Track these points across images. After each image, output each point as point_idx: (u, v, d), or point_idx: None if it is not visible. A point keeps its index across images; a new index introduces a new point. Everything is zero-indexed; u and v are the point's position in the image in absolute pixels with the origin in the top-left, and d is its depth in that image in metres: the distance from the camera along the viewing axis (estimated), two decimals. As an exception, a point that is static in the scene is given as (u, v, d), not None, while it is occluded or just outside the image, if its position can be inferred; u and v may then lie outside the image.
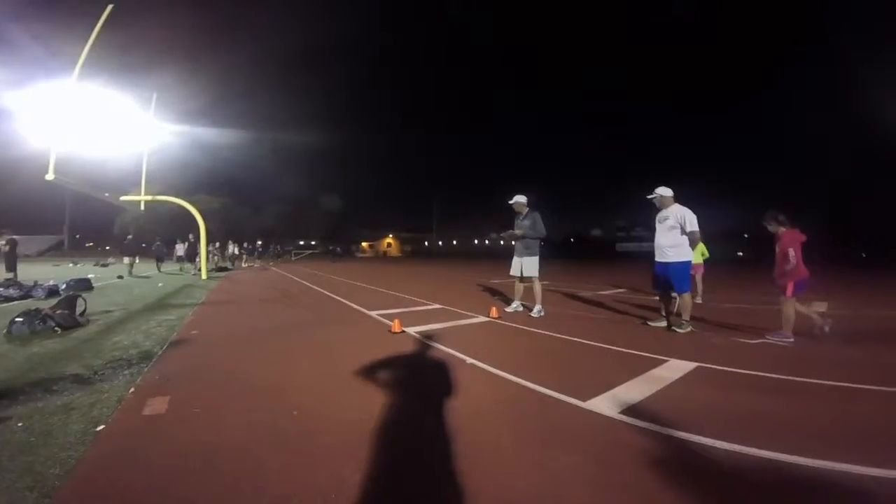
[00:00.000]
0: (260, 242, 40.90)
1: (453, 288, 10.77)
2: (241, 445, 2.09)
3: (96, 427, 2.26)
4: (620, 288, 10.49)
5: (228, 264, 22.34)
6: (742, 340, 4.48)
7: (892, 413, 2.55)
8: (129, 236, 16.99)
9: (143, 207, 15.53)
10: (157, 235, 19.16)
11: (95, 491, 1.70)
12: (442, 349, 4.04)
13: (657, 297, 5.43)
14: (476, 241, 76.99)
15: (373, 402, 2.63)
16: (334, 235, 57.05)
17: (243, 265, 24.59)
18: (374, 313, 6.23)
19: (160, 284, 11.50)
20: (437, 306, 7.01)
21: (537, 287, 6.19)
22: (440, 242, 76.53)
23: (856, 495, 1.69)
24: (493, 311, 6.01)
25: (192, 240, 16.94)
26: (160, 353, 3.88)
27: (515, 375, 3.20)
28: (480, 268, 21.26)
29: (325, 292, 9.63)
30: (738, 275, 16.35)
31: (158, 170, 22.24)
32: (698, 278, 8.51)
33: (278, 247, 43.95)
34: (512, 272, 6.46)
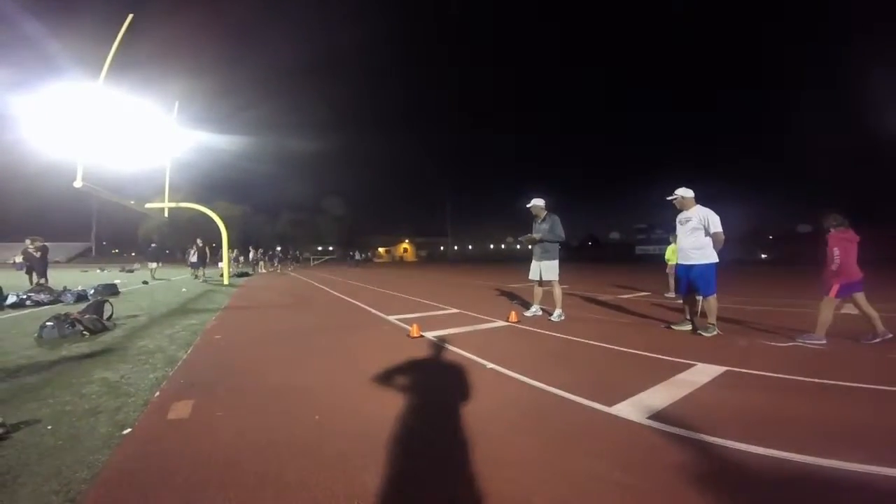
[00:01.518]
0: (279, 248, 41.58)
1: (470, 292, 10.71)
2: (263, 450, 2.09)
3: (122, 431, 2.29)
4: (642, 291, 10.27)
5: (250, 270, 22.77)
6: (771, 343, 4.32)
7: None
8: (153, 244, 17.48)
9: (166, 214, 15.93)
10: (151, 240, 19.03)
11: (119, 495, 1.71)
12: (461, 353, 3.99)
13: (681, 301, 5.28)
14: (492, 246, 76.70)
15: (393, 407, 2.60)
16: (350, 241, 57.64)
17: (261, 270, 25.02)
18: (392, 318, 6.23)
19: (184, 290, 11.76)
20: (454, 311, 6.97)
21: (557, 291, 6.10)
22: (455, 247, 76.52)
23: (887, 498, 1.62)
24: (513, 316, 5.94)
25: (199, 245, 16.94)
26: (184, 357, 3.95)
27: (537, 380, 3.15)
28: (497, 272, 21.13)
29: (344, 297, 9.69)
30: (761, 276, 15.86)
31: (179, 177, 22.82)
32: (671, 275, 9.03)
33: (296, 253, 44.58)
34: (531, 276, 6.38)
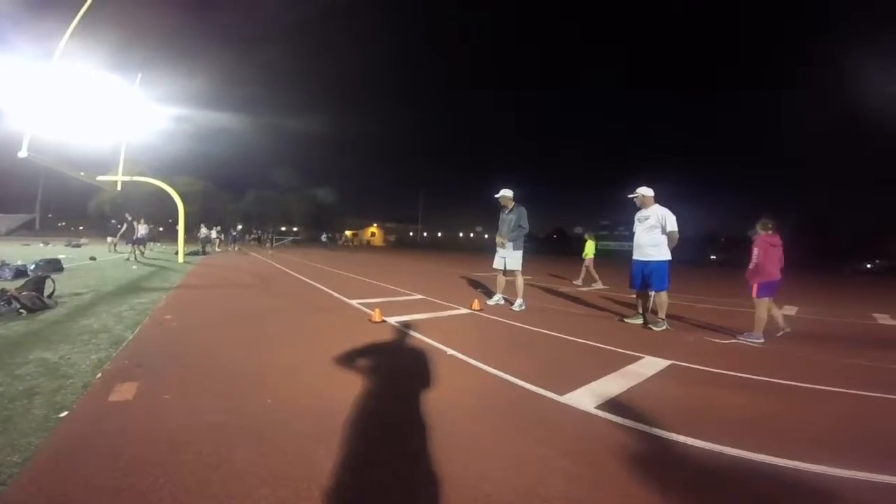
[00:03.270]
0: (240, 227, 40.10)
1: (437, 279, 10.76)
2: (212, 433, 2.04)
3: (59, 413, 2.18)
4: (600, 285, 10.64)
5: (199, 248, 21.65)
6: (714, 340, 4.60)
7: (854, 415, 2.65)
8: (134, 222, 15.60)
9: (119, 188, 14.96)
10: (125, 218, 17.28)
11: (55, 478, 1.64)
12: (422, 339, 4.02)
13: (634, 295, 5.53)
14: (462, 234, 77.07)
15: (350, 391, 2.60)
16: (318, 223, 56.25)
17: (217, 249, 24.04)
18: (354, 302, 6.18)
19: (134, 267, 11.19)
20: (419, 297, 6.99)
21: (519, 281, 6.23)
22: (425, 234, 76.36)
23: (818, 494, 1.73)
24: (476, 304, 6.03)
25: (129, 219, 15.50)
26: (131, 337, 3.77)
27: (495, 368, 3.22)
28: (465, 260, 21.29)
29: (305, 279, 9.50)
30: (712, 276, 16.76)
31: (140, 151, 21.42)
32: (592, 270, 10.94)
33: (259, 232, 43.10)
34: (495, 265, 6.48)
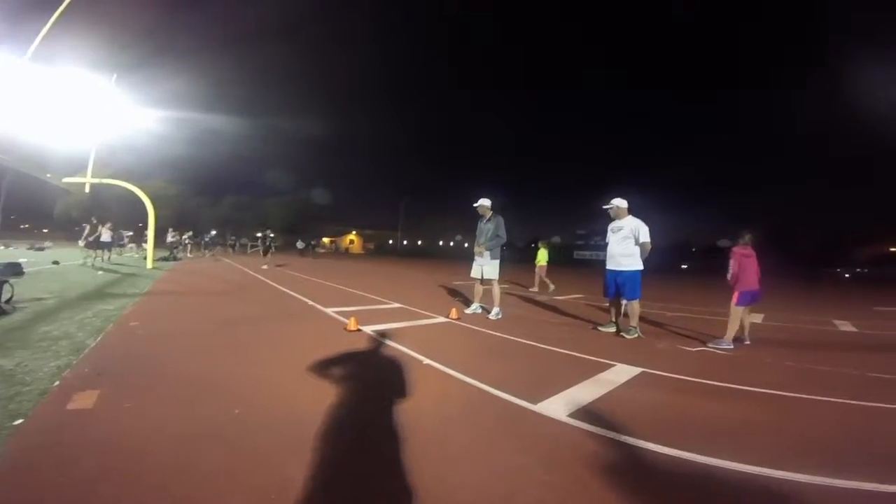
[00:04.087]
0: (214, 232, 38.95)
1: (415, 288, 10.73)
2: (176, 443, 1.99)
3: (14, 421, 2.08)
4: (577, 293, 10.81)
5: (168, 254, 20.90)
6: (684, 347, 4.73)
7: (819, 421, 2.74)
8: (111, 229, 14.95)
9: (87, 190, 14.37)
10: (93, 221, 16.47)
11: (8, 489, 1.56)
12: (398, 348, 4.00)
13: (608, 303, 5.65)
14: (441, 242, 77.04)
15: (323, 401, 2.56)
16: (295, 229, 55.29)
17: (189, 255, 23.35)
18: (329, 310, 6.09)
19: (99, 272, 10.77)
20: (396, 305, 6.95)
21: (496, 290, 6.28)
22: (405, 241, 76.08)
23: (785, 500, 1.76)
24: (453, 312, 6.04)
25: (93, 223, 14.90)
26: (93, 344, 3.63)
27: (471, 377, 3.22)
28: (444, 269, 21.29)
29: (279, 287, 9.33)
30: (683, 285, 17.25)
31: (114, 153, 20.70)
32: (544, 276, 11.41)
33: (234, 238, 41.98)
34: (472, 274, 6.52)
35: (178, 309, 6.03)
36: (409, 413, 2.47)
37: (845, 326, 7.13)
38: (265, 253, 17.10)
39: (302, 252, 37.08)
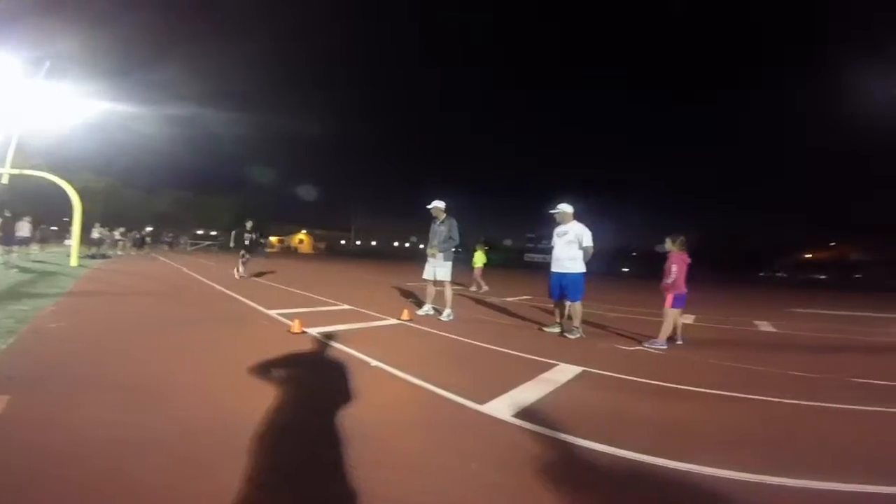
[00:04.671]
0: (150, 229, 36.26)
1: (366, 289, 10.55)
2: (99, 450, 1.85)
3: None
4: (525, 295, 11.10)
5: (96, 251, 19.17)
6: (622, 347, 4.99)
7: (745, 418, 2.92)
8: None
9: (5, 181, 12.85)
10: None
11: None
12: (345, 351, 3.90)
13: (553, 305, 5.84)
14: (397, 244, 76.39)
15: (261, 406, 2.44)
16: (239, 226, 52.52)
17: (119, 252, 21.60)
18: (273, 312, 5.84)
19: (14, 270, 9.69)
20: (345, 307, 6.79)
21: (448, 291, 6.31)
22: (358, 242, 74.69)
23: (716, 497, 1.83)
24: (405, 314, 5.99)
25: (7, 216, 13.44)
26: (4, 347, 3.27)
27: (419, 378, 3.20)
28: (398, 269, 21.11)
29: (219, 288, 8.83)
30: (623, 287, 18.23)
31: (43, 145, 18.78)
32: (478, 277, 12.10)
33: (171, 235, 39.22)
34: (425, 276, 6.52)
35: (104, 310, 5.53)
36: (354, 416, 2.41)
37: (765, 327, 7.82)
38: (245, 257, 11.20)
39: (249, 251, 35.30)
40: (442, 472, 1.90)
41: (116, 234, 23.06)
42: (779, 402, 3.19)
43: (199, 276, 11.31)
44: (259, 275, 12.27)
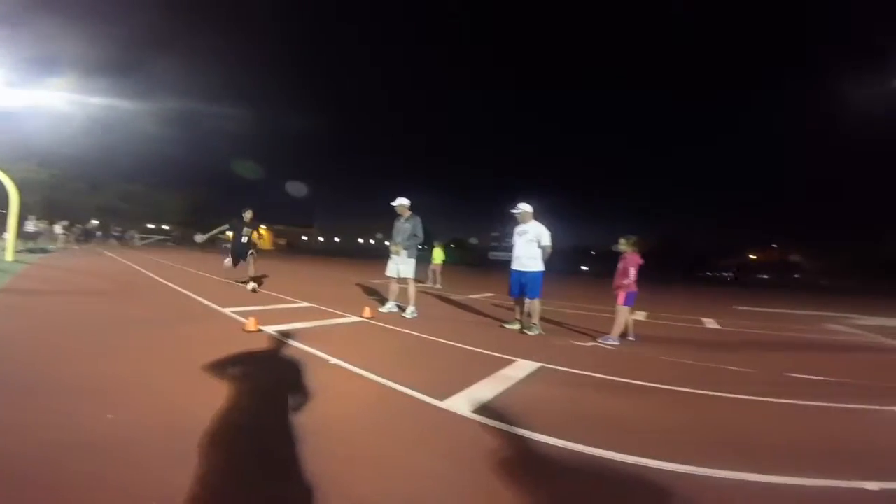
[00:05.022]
0: (96, 223, 33.94)
1: (328, 286, 10.39)
2: (35, 452, 1.77)
3: None
4: (488, 293, 11.26)
5: (30, 245, 17.78)
6: (578, 343, 5.16)
7: (690, 412, 3.07)
8: None
9: None
10: None
11: None
12: (303, 349, 3.82)
13: (513, 302, 5.97)
14: (362, 240, 75.32)
15: (213, 406, 2.36)
16: (195, 221, 49.89)
17: (60, 246, 20.16)
18: (227, 310, 5.63)
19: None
20: (305, 305, 6.65)
21: (411, 289, 6.30)
22: (321, 238, 73.13)
23: (660, 490, 1.90)
24: (367, 311, 5.94)
25: None
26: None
27: (378, 375, 3.19)
28: (361, 267, 20.85)
29: (170, 285, 8.43)
30: (582, 285, 18.82)
31: None
32: (438, 274, 12.53)
33: (120, 230, 36.85)
34: (388, 273, 6.49)
35: (41, 309, 5.14)
36: (311, 414, 2.38)
37: (711, 324, 8.31)
38: (236, 260, 8.94)
39: (202, 247, 33.85)
40: (400, 469, 1.91)
41: (58, 228, 21.52)
42: (719, 396, 3.39)
43: (148, 273, 10.72)
44: (216, 272, 11.78)
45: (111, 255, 18.03)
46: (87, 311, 5.28)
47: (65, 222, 22.93)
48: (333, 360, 3.51)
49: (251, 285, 8.21)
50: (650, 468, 2.04)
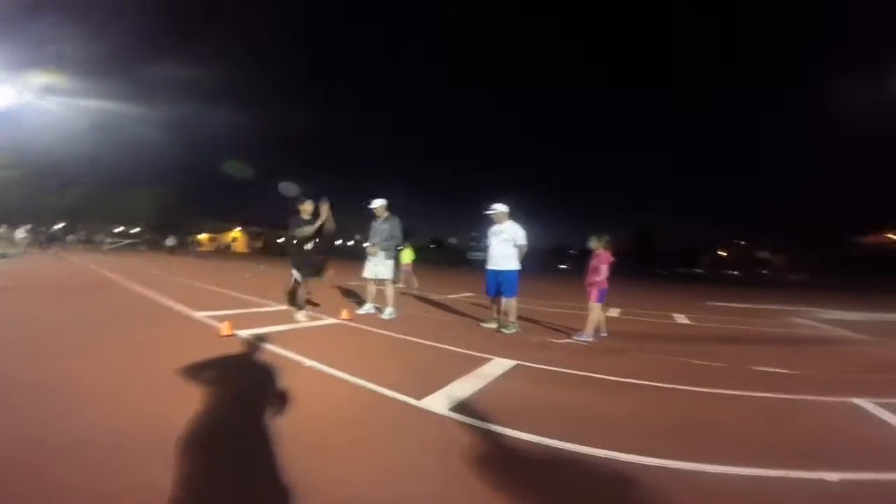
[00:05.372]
0: (61, 225, 32.55)
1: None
2: (10, 448, 1.79)
3: None
4: (467, 292, 11.31)
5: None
6: (554, 340, 5.25)
7: (662, 406, 3.13)
8: None
9: None
10: None
11: None
12: (279, 352, 3.77)
13: (490, 301, 6.03)
14: (340, 242, 74.27)
15: (190, 407, 2.33)
16: (167, 223, 48.17)
17: (20, 251, 19.27)
18: (201, 314, 5.50)
19: None
20: (282, 308, 6.53)
21: (389, 290, 6.29)
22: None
23: (630, 482, 1.92)
24: (344, 313, 5.89)
25: None
26: None
27: (356, 376, 3.18)
28: (341, 269, 20.59)
29: (140, 289, 8.16)
30: (557, 283, 19.09)
31: None
32: (410, 275, 12.78)
33: (84, 233, 35.41)
34: (366, 274, 6.45)
35: (9, 312, 4.92)
36: (289, 416, 2.38)
37: (682, 319, 8.57)
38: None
39: (172, 250, 32.91)
40: (378, 469, 1.92)
41: (21, 233, 20.58)
42: (688, 390, 3.48)
43: (117, 277, 10.35)
44: (189, 276, 11.48)
45: (76, 259, 17.32)
46: (54, 315, 5.06)
47: (28, 226, 21.92)
48: (309, 363, 3.48)
49: (301, 313, 5.57)
50: (620, 461, 2.10)
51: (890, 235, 56.45)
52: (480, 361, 3.88)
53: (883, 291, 22.60)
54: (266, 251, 56.21)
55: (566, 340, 5.26)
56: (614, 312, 7.41)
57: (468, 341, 4.74)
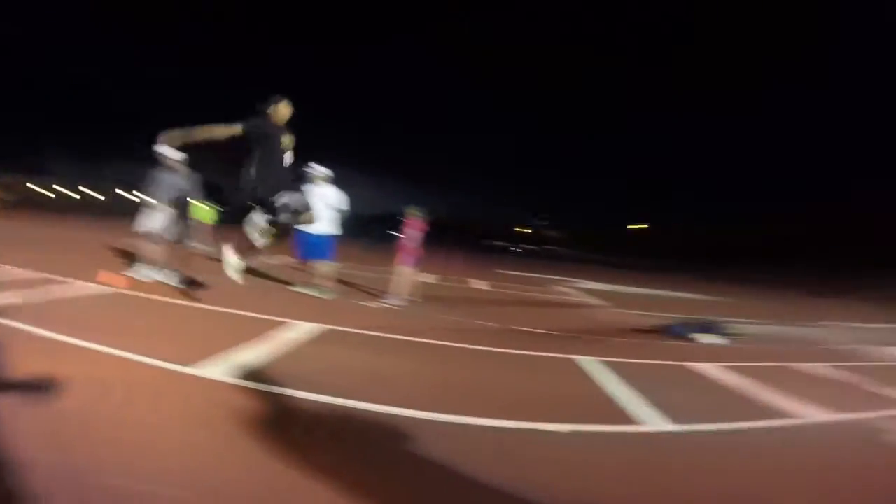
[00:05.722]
0: None
1: (70, 251, 8.15)
2: None
3: None
4: (289, 256, 10.68)
5: None
6: (366, 304, 5.45)
7: (443, 364, 3.42)
8: None
9: None
10: None
11: None
12: (15, 326, 2.89)
13: (304, 264, 5.91)
14: (120, 192, 59.42)
15: None
16: None
17: None
18: None
19: None
20: (32, 275, 4.97)
21: (158, 248, 5.38)
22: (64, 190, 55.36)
23: (405, 435, 2.03)
24: (109, 277, 4.84)
25: None
26: None
27: (118, 348, 2.67)
28: (120, 226, 16.77)
29: None
30: (387, 249, 19.57)
31: None
32: (208, 234, 11.46)
33: None
34: (147, 226, 5.39)
35: None
36: (28, 397, 1.96)
37: (479, 285, 9.87)
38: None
39: None
40: (137, 440, 1.74)
41: None
42: (466, 348, 3.90)
43: None
44: None
45: None
46: None
47: None
48: (60, 337, 2.78)
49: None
50: (399, 416, 2.22)
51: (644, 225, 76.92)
52: (280, 326, 3.74)
53: (637, 269, 29.26)
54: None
55: (377, 304, 5.52)
56: (431, 279, 8.02)
57: (272, 306, 4.49)
